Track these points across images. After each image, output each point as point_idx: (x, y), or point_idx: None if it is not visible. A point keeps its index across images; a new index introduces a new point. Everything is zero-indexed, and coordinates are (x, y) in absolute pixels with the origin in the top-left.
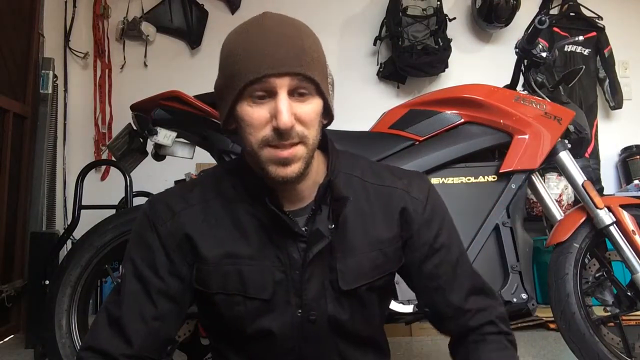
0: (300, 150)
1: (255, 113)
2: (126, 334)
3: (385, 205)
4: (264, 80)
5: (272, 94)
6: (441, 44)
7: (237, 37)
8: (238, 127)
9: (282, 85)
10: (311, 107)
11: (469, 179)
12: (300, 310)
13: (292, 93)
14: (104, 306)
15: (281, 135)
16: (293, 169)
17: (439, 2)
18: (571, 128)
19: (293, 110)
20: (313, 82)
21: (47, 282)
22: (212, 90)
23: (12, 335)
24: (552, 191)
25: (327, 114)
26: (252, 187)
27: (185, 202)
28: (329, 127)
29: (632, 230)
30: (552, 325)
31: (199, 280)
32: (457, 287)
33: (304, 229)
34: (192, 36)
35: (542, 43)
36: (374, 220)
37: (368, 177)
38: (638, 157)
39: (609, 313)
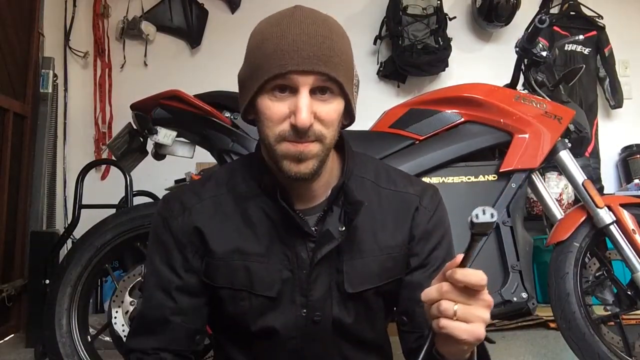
0: (316, 147)
1: (274, 107)
2: (151, 329)
3: (396, 211)
4: (288, 76)
5: (294, 91)
6: (441, 43)
7: (266, 28)
8: (256, 119)
9: (305, 83)
10: (332, 107)
11: (469, 178)
12: (304, 310)
13: (315, 91)
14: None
15: (298, 133)
16: (307, 166)
17: (439, 1)
18: (571, 127)
19: (313, 109)
20: (337, 82)
21: (47, 281)
22: (212, 89)
23: (12, 335)
24: (553, 190)
25: (348, 114)
26: (265, 183)
27: (197, 197)
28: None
29: (632, 230)
30: (552, 325)
31: (206, 273)
32: None
33: (313, 228)
34: (192, 35)
35: (542, 42)
36: (385, 225)
37: (381, 182)
38: (638, 156)
39: (609, 312)
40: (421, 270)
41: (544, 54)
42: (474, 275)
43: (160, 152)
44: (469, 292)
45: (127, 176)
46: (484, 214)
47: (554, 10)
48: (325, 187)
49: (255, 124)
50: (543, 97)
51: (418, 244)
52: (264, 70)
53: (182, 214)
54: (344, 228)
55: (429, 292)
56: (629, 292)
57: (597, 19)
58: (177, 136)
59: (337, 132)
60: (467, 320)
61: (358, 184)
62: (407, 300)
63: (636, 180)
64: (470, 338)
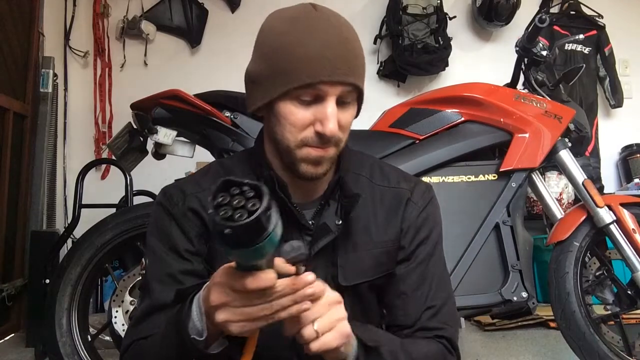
0: (333, 151)
1: (300, 114)
2: (156, 316)
3: (390, 207)
4: (317, 86)
5: (319, 99)
6: (441, 42)
7: (289, 29)
8: (274, 121)
9: (334, 92)
10: (350, 113)
11: (469, 178)
12: None
13: (338, 100)
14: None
15: (322, 140)
16: (323, 167)
17: (439, 1)
18: (571, 127)
19: (337, 117)
20: (359, 90)
21: (47, 281)
22: (212, 89)
23: (12, 334)
24: (553, 190)
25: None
26: (264, 176)
27: (197, 186)
28: None
29: (633, 229)
30: (552, 324)
31: (207, 258)
32: (421, 299)
33: (310, 222)
34: (192, 35)
35: (542, 41)
36: (379, 220)
37: (376, 178)
38: (638, 155)
39: (609, 311)
40: (405, 263)
41: (544, 53)
42: (302, 288)
43: (160, 152)
44: (316, 303)
45: (127, 176)
46: (294, 248)
47: (554, 10)
48: (323, 183)
49: (257, 118)
50: (543, 96)
51: (405, 237)
52: (292, 77)
53: (183, 200)
54: (340, 222)
55: (289, 329)
56: (629, 292)
57: (597, 19)
58: (177, 136)
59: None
60: (330, 329)
61: (354, 180)
62: (387, 293)
63: (636, 180)
64: (341, 340)
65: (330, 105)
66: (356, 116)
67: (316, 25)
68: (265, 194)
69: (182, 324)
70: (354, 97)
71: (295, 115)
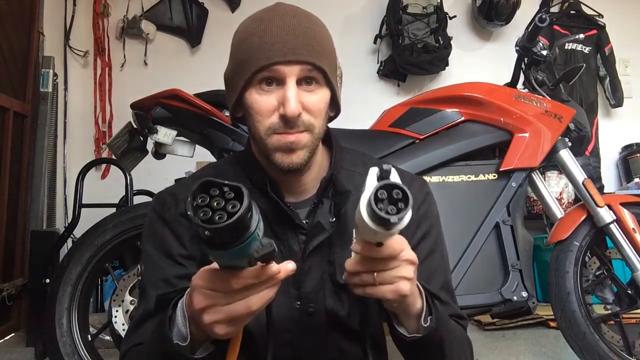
0: (305, 137)
1: (263, 100)
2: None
3: None
4: (274, 67)
5: (280, 82)
6: (441, 42)
7: (249, 24)
8: (246, 115)
9: (292, 73)
10: (319, 96)
11: (469, 177)
12: (298, 302)
13: (301, 82)
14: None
15: (288, 123)
16: (298, 156)
17: (439, 0)
18: (571, 126)
19: (301, 99)
20: (322, 71)
21: (47, 280)
22: (212, 88)
23: (12, 334)
24: (553, 189)
25: (334, 105)
26: (255, 177)
27: (189, 190)
28: (329, 126)
29: (633, 229)
30: (552, 324)
31: (201, 261)
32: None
33: (304, 221)
34: (192, 34)
35: (542, 41)
36: None
37: None
38: (638, 155)
39: (609, 311)
40: None
41: (544, 52)
42: (387, 249)
43: (160, 151)
44: (386, 260)
45: (128, 175)
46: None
47: (555, 9)
48: (315, 181)
49: (243, 121)
50: (543, 96)
51: (405, 233)
52: (250, 64)
53: (176, 205)
54: (334, 219)
55: (351, 265)
56: (629, 291)
57: (597, 18)
58: (177, 135)
59: (326, 122)
60: (390, 282)
61: (347, 177)
62: None
63: (636, 179)
64: (394, 296)
65: (289, 87)
66: (337, 112)
67: (275, 18)
68: (246, 195)
69: (165, 330)
70: (320, 80)
71: (259, 103)
